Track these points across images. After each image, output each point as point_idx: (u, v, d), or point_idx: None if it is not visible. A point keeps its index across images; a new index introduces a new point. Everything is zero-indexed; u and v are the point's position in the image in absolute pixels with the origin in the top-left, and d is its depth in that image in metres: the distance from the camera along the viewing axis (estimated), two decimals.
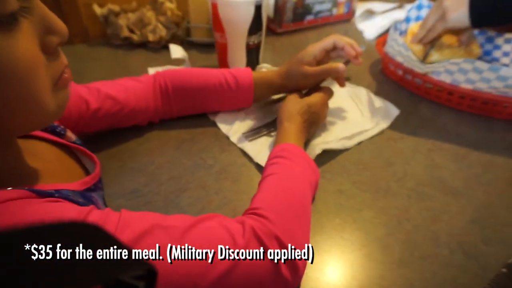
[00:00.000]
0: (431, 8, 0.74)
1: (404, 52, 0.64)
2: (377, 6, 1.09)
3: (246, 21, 0.65)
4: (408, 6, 1.11)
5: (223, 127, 0.60)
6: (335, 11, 1.01)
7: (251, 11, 0.64)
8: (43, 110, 0.29)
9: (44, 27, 0.28)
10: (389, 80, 0.74)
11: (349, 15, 1.04)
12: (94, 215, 0.29)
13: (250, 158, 0.54)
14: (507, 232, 0.44)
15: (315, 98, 0.55)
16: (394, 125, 0.62)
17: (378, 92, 0.69)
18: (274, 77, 0.59)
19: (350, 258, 0.41)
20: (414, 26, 0.72)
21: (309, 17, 0.97)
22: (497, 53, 0.72)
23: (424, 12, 0.76)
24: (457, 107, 0.64)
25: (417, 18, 0.76)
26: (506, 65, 0.72)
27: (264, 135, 0.58)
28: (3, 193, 0.27)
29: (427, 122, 0.63)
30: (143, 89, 0.55)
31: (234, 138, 0.57)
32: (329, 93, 0.58)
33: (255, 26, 0.67)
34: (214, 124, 0.61)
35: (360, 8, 1.07)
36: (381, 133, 0.60)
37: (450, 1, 0.62)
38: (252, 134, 0.58)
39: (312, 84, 0.59)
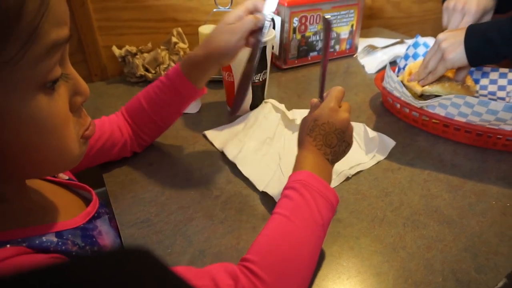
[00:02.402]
0: (428, 48, 0.79)
1: (400, 89, 0.68)
2: (378, 42, 1.15)
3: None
4: (408, 41, 1.16)
5: (230, 154, 0.64)
6: (337, 48, 1.06)
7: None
8: (68, 159, 0.34)
9: (74, 89, 0.33)
10: (388, 112, 0.77)
11: (351, 51, 1.09)
12: None
13: (254, 188, 0.58)
14: (498, 260, 0.46)
15: (321, 107, 0.49)
16: (392, 156, 0.65)
17: (378, 124, 0.73)
18: (196, 50, 0.57)
19: (346, 284, 0.44)
20: (412, 65, 0.77)
21: (313, 54, 1.02)
22: (493, 88, 0.76)
23: (420, 50, 0.80)
24: (452, 138, 0.67)
25: (414, 56, 0.81)
26: (502, 98, 0.75)
27: None
28: (1, 251, 0.30)
29: (423, 153, 0.66)
30: (116, 119, 0.61)
31: (241, 166, 0.61)
32: (337, 93, 0.50)
33: (261, 65, 0.73)
34: (222, 156, 0.65)
35: (362, 44, 1.13)
36: (379, 164, 0.63)
37: (447, 43, 0.66)
38: None
39: (238, 40, 0.54)
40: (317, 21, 0.98)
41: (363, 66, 1.03)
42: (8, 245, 0.31)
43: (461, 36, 0.64)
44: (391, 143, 0.66)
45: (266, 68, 0.74)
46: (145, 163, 0.63)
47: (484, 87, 0.77)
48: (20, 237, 0.32)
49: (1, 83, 0.26)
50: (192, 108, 0.78)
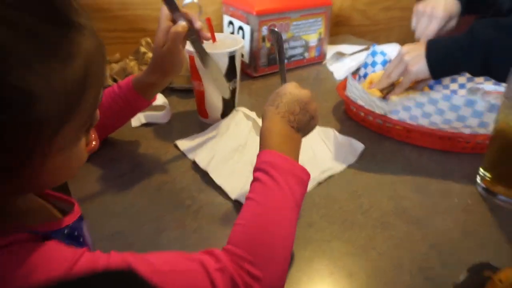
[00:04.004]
0: (385, 56, 0.83)
1: (364, 95, 0.70)
2: (346, 49, 1.18)
3: (220, 71, 0.71)
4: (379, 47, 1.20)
5: (202, 162, 0.63)
6: (307, 55, 1.08)
7: (225, 62, 0.71)
8: (72, 174, 0.35)
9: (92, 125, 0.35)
10: (352, 120, 0.79)
11: (320, 58, 1.12)
12: (86, 257, 0.32)
13: (227, 196, 0.58)
14: (462, 255, 0.48)
15: (283, 86, 0.53)
16: (361, 160, 0.66)
17: (347, 129, 0.75)
18: (146, 74, 0.62)
19: (319, 286, 0.44)
20: (373, 75, 0.80)
21: None
22: (446, 91, 0.80)
23: (378, 59, 0.84)
24: (416, 143, 0.70)
25: (373, 64, 0.84)
26: None
27: None
28: (8, 236, 0.30)
29: (390, 157, 0.68)
30: None
31: (213, 175, 0.61)
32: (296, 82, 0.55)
33: (230, 74, 0.73)
34: (194, 165, 0.65)
35: (330, 51, 1.15)
36: (349, 167, 0.65)
37: (410, 56, 0.70)
38: None
39: (178, 56, 0.58)
40: (287, 30, 1.00)
41: (332, 73, 1.06)
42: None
43: (422, 50, 0.67)
44: (360, 146, 0.68)
45: (236, 77, 0.75)
46: (116, 175, 0.62)
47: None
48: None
49: (60, 139, 0.29)
50: (162, 118, 0.77)
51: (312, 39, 1.06)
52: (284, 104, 0.50)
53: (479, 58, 0.63)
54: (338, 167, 0.64)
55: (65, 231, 0.37)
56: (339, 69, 1.06)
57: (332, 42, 1.26)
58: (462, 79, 0.78)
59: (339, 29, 1.40)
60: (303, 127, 0.51)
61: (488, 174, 0.58)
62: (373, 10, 1.43)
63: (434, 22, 0.75)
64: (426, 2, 0.79)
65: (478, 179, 0.60)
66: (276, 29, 0.51)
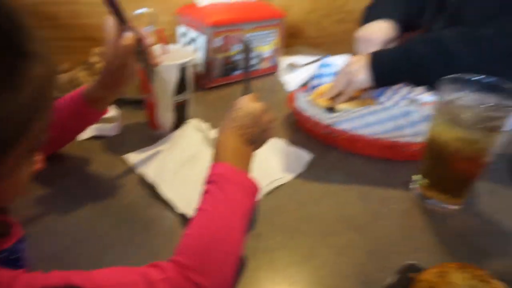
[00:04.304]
0: (337, 70, 0.87)
1: (310, 107, 0.73)
2: (299, 60, 1.22)
3: (171, 83, 0.71)
4: (328, 59, 1.25)
5: (151, 176, 0.63)
6: (261, 66, 1.11)
7: (175, 74, 0.71)
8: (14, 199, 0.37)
9: None
10: (301, 130, 0.82)
11: (274, 69, 1.14)
12: (23, 279, 0.32)
13: (175, 210, 0.58)
14: (397, 258, 0.51)
15: (238, 100, 0.56)
16: (308, 170, 0.69)
17: (293, 142, 0.77)
18: (96, 88, 0.60)
19: None
20: (323, 87, 0.83)
21: (237, 72, 1.06)
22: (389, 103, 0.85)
23: (328, 70, 0.88)
24: (360, 152, 0.73)
25: (323, 75, 0.88)
26: None
27: None
28: None
29: (336, 166, 0.71)
30: None
31: (162, 188, 0.61)
32: (252, 95, 0.58)
33: (181, 86, 0.74)
34: (142, 179, 0.64)
35: (284, 62, 1.19)
36: (297, 177, 0.67)
37: (354, 66, 0.74)
38: None
39: (120, 61, 0.56)
40: (240, 41, 1.02)
41: (285, 84, 1.09)
42: None
43: (366, 60, 0.72)
44: (307, 156, 0.71)
45: (187, 89, 0.75)
46: (61, 191, 0.60)
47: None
48: None
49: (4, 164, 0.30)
50: (111, 130, 0.76)
51: (266, 50, 1.09)
52: (238, 118, 0.53)
53: (415, 69, 0.68)
54: (286, 177, 0.66)
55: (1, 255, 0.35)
56: (292, 80, 1.09)
57: (287, 53, 1.29)
58: (403, 90, 0.83)
59: (294, 40, 1.44)
60: (256, 140, 0.54)
61: (422, 180, 0.62)
62: (326, 22, 1.48)
63: (374, 46, 0.81)
64: (366, 28, 0.85)
65: (414, 185, 0.64)
66: (246, 40, 0.52)
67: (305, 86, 0.92)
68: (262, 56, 1.09)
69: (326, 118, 0.72)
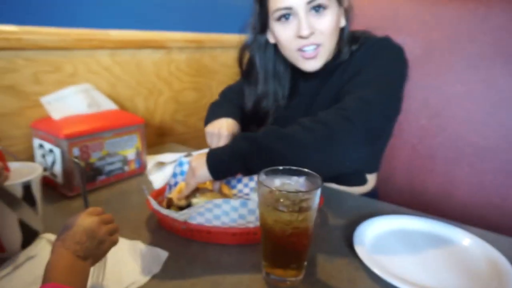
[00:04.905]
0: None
1: (162, 211, 0.78)
2: (166, 157, 1.29)
3: (15, 200, 0.69)
4: (196, 153, 1.35)
5: None
6: (127, 168, 1.14)
7: (20, 192, 0.70)
8: None
9: None
10: (163, 229, 0.85)
11: (141, 169, 1.19)
12: None
13: None
14: None
15: (70, 218, 0.57)
16: (165, 268, 0.71)
17: (154, 241, 0.79)
18: None
19: None
20: (183, 184, 0.90)
21: (101, 178, 1.07)
22: (246, 190, 0.95)
23: (186, 168, 0.96)
24: (217, 242, 0.80)
25: (181, 173, 0.96)
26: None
27: None
28: None
29: (193, 260, 0.74)
30: None
31: None
32: (91, 209, 0.61)
33: (28, 202, 0.72)
34: None
35: (151, 161, 1.24)
36: (153, 277, 0.68)
37: (195, 162, 0.83)
38: None
39: None
40: (101, 148, 1.05)
41: (152, 183, 1.13)
42: None
43: (206, 156, 0.81)
44: (164, 255, 0.74)
45: (35, 204, 0.74)
46: None
47: (240, 191, 0.96)
48: None
49: None
50: None
51: (130, 153, 1.14)
52: (71, 235, 0.54)
53: (240, 163, 0.79)
54: (142, 279, 0.67)
55: None
56: (159, 179, 1.14)
57: (156, 151, 1.36)
58: (245, 179, 0.96)
59: (164, 138, 1.53)
60: (92, 254, 0.55)
61: (265, 261, 0.70)
62: (191, 120, 1.63)
63: (222, 139, 0.93)
64: (213, 124, 0.98)
65: (262, 266, 0.71)
66: (77, 161, 0.56)
67: (165, 185, 0.97)
68: (127, 159, 1.13)
69: (179, 215, 0.77)
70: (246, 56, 1.08)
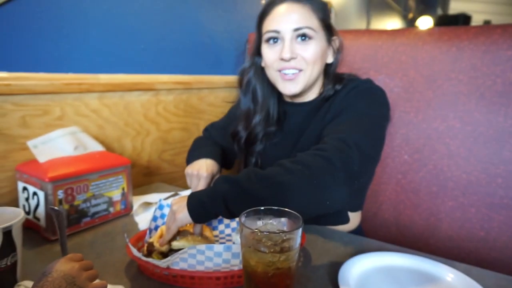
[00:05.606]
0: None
1: (143, 258, 0.77)
2: (153, 197, 1.29)
3: None
4: (182, 193, 1.35)
5: None
6: (112, 210, 1.13)
7: None
8: None
9: None
10: (145, 275, 0.83)
11: (127, 210, 1.18)
12: None
13: None
14: None
15: (49, 265, 0.57)
16: None
17: (136, 285, 0.78)
18: None
19: None
20: (163, 227, 0.90)
21: (86, 220, 1.06)
22: (228, 231, 0.95)
23: (166, 211, 0.96)
24: (201, 287, 0.78)
25: (162, 216, 0.95)
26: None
27: None
28: None
29: None
30: None
31: None
32: (71, 255, 0.61)
33: (7, 248, 0.71)
34: None
35: (138, 202, 1.24)
36: None
37: (176, 206, 0.83)
38: None
39: None
40: (86, 190, 1.05)
41: (138, 224, 1.12)
42: None
43: (186, 199, 0.82)
44: None
45: (15, 250, 0.73)
46: None
47: (222, 232, 0.96)
48: None
49: None
50: None
51: (115, 194, 1.13)
52: (50, 282, 0.54)
53: (222, 205, 0.79)
54: None
55: None
56: (144, 219, 1.14)
57: (143, 191, 1.36)
58: (227, 220, 0.96)
59: (151, 178, 1.53)
60: None
61: None
62: (179, 159, 1.64)
63: (202, 180, 0.95)
64: (193, 166, 1.00)
65: None
66: (56, 208, 0.56)
67: (146, 229, 0.96)
68: (112, 200, 1.13)
69: (161, 263, 0.76)
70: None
